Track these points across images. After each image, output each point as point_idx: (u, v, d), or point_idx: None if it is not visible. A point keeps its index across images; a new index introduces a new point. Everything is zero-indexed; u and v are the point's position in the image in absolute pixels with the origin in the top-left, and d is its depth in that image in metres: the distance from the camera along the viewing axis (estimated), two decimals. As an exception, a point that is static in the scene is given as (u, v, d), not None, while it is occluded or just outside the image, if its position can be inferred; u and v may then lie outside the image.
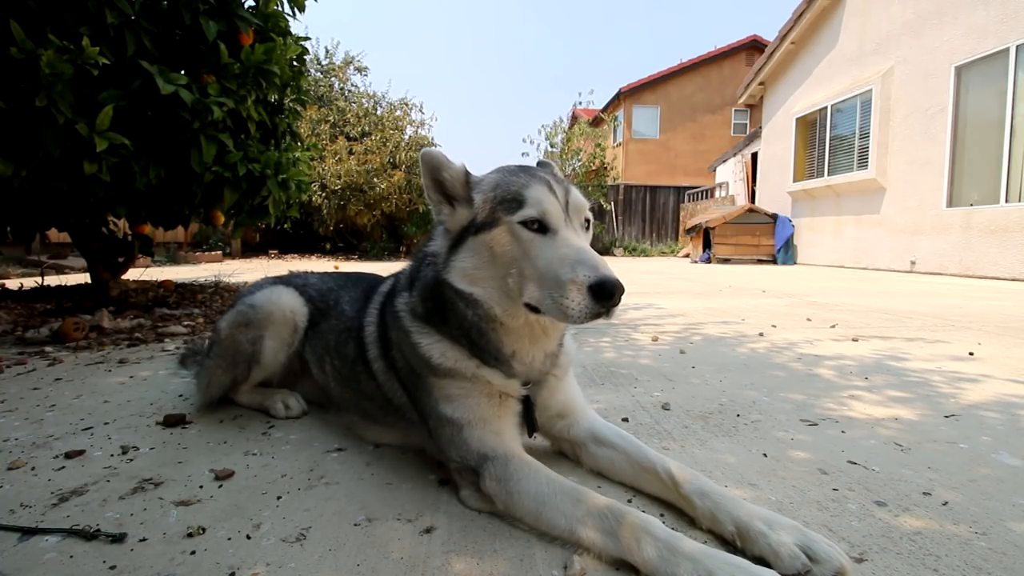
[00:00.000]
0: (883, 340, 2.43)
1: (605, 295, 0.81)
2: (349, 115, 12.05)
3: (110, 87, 2.31)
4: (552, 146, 15.22)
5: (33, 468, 1.07)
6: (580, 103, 18.04)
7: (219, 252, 10.04)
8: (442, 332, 0.98)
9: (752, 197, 11.60)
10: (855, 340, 2.42)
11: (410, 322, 1.02)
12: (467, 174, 0.99)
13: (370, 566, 0.74)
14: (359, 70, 14.05)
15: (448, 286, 0.95)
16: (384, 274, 1.39)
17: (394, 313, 1.08)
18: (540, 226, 0.90)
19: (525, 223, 0.90)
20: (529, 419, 1.01)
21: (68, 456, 1.13)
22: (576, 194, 0.97)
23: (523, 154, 27.88)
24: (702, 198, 13.98)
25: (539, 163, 1.10)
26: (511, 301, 0.91)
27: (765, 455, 1.14)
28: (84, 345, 2.27)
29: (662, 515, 0.89)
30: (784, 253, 9.51)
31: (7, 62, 2.02)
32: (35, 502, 0.93)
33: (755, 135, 11.60)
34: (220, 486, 0.99)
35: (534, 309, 0.89)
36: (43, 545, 0.80)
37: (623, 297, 0.83)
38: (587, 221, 0.99)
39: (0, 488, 0.99)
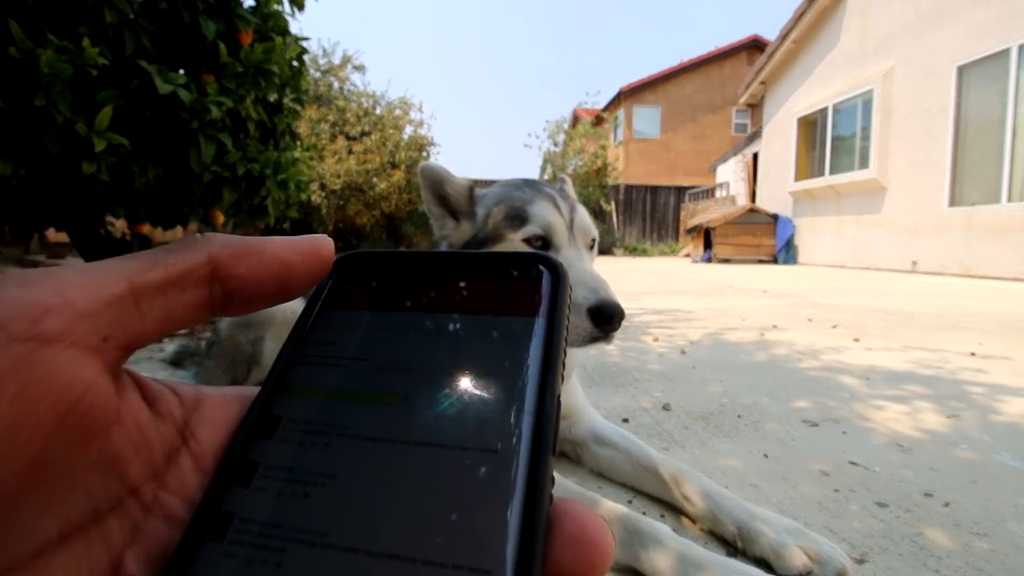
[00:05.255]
0: (884, 340, 2.42)
1: (604, 319, 0.79)
2: (348, 114, 12.05)
3: (109, 87, 2.31)
4: (555, 145, 15.23)
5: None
6: (586, 103, 18.08)
7: (219, 252, 10.02)
8: None
9: (753, 197, 11.59)
10: (856, 340, 2.41)
11: None
12: (471, 188, 0.98)
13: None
14: (357, 68, 14.05)
15: None
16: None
17: None
18: (543, 244, 0.89)
19: (528, 240, 0.89)
20: None
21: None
22: (582, 213, 0.96)
23: (525, 146, 28.19)
24: (703, 198, 13.97)
25: (558, 179, 1.10)
26: None
27: (766, 456, 1.13)
28: (83, 345, 2.26)
29: (662, 516, 0.88)
30: (785, 253, 9.51)
31: (6, 62, 2.02)
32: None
33: (756, 135, 11.60)
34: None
35: None
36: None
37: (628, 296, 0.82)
38: (593, 241, 0.97)
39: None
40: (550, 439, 0.16)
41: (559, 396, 0.17)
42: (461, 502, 0.15)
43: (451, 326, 0.19)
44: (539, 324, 0.19)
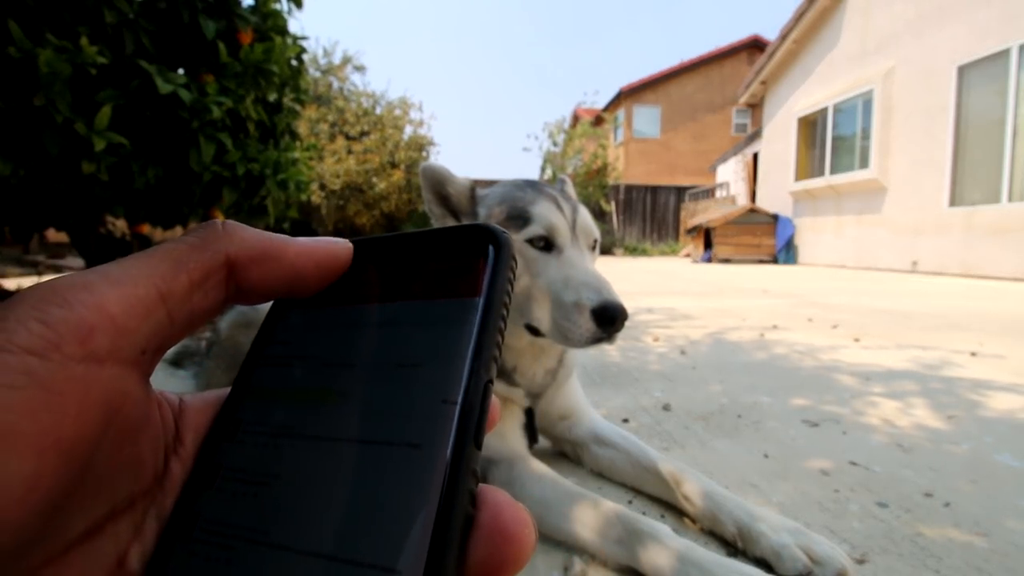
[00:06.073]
0: (884, 341, 2.42)
1: (608, 320, 0.79)
2: (348, 114, 12.04)
3: (108, 86, 2.30)
4: (555, 144, 15.22)
5: (29, 468, 1.06)
6: (584, 103, 18.07)
7: (219, 252, 10.01)
8: None
9: (753, 197, 11.58)
10: (856, 340, 2.41)
11: None
12: (473, 188, 0.98)
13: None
14: (357, 69, 14.06)
15: None
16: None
17: None
18: (546, 244, 0.89)
19: (531, 241, 0.89)
20: (531, 430, 1.01)
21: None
22: (584, 214, 0.96)
23: (525, 149, 28.13)
24: (703, 198, 13.97)
25: (558, 179, 1.10)
26: (513, 321, 0.89)
27: (766, 456, 1.13)
28: (83, 345, 2.26)
29: (663, 516, 0.88)
30: (785, 253, 9.50)
31: (5, 61, 2.02)
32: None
33: (756, 135, 11.59)
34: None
35: (534, 331, 0.87)
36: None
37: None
38: (595, 242, 0.97)
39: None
40: (471, 431, 0.15)
41: (489, 382, 0.16)
42: (382, 500, 0.15)
43: (394, 316, 0.19)
44: (480, 304, 0.18)
